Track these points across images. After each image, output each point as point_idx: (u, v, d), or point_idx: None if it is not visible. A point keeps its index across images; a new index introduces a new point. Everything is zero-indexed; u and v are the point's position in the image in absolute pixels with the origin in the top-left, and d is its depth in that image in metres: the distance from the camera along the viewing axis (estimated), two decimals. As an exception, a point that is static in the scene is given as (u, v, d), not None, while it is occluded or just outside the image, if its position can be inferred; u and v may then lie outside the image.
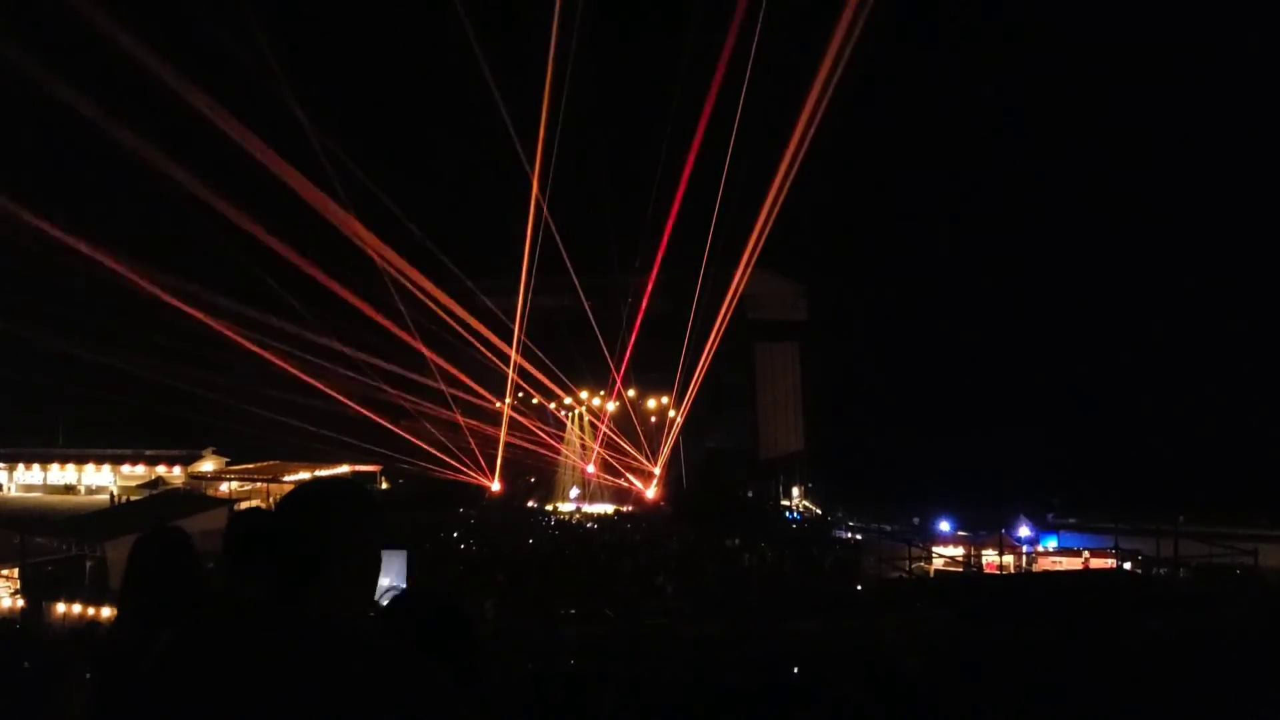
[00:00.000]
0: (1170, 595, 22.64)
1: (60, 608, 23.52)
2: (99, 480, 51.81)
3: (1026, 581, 28.89)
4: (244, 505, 39.85)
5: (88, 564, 28.12)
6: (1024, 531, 34.66)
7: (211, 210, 35.07)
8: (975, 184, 60.80)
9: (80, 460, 52.36)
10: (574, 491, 49.33)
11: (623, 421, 50.10)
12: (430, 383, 44.82)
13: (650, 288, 45.41)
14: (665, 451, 49.16)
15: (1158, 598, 21.36)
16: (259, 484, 47.17)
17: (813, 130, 35.79)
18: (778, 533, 38.74)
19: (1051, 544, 34.49)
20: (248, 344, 38.85)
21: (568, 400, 51.02)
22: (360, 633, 1.96)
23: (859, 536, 38.72)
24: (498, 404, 47.78)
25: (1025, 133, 61.92)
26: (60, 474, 52.69)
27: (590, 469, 49.87)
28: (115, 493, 48.94)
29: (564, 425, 51.33)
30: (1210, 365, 51.02)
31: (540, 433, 49.16)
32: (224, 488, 48.75)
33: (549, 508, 47.27)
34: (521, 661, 12.38)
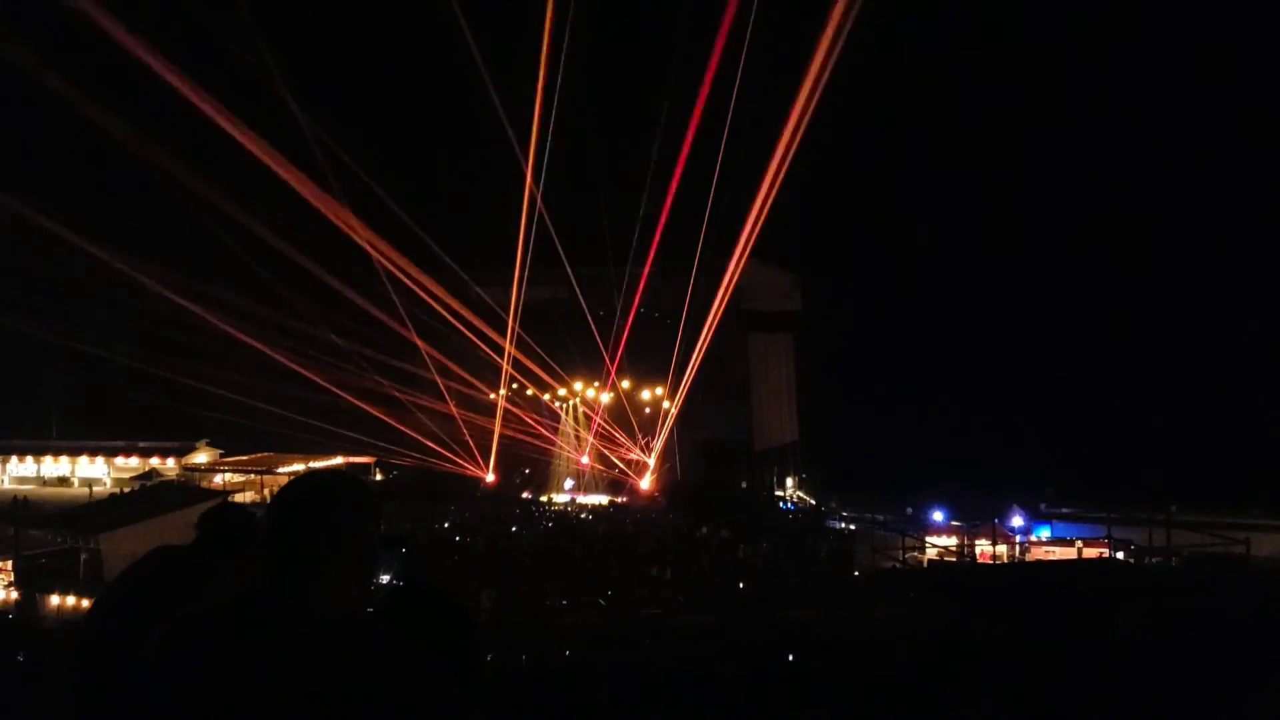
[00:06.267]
0: (1163, 584, 22.73)
1: (54, 600, 23.51)
2: (93, 472, 51.77)
3: (1019, 571, 28.97)
4: (238, 497, 39.91)
5: (82, 556, 28.07)
6: (1017, 521, 34.74)
7: (205, 202, 35.01)
8: (970, 176, 60.85)
9: (74, 452, 52.29)
10: (568, 483, 49.36)
11: (617, 413, 50.11)
12: (425, 374, 44.81)
13: (645, 279, 45.37)
14: (659, 442, 49.20)
15: (1150, 587, 21.45)
16: (253, 476, 47.14)
17: (806, 121, 35.79)
18: (772, 523, 38.79)
19: (1044, 534, 34.59)
20: (242, 335, 38.79)
21: (562, 392, 51.00)
22: (359, 625, 1.97)
23: (853, 527, 38.77)
24: (492, 395, 47.77)
25: (1020, 126, 61.94)
26: (54, 466, 52.60)
27: (585, 460, 49.89)
28: (109, 485, 48.92)
29: (558, 417, 51.33)
30: (1204, 357, 51.18)
31: (535, 424, 49.16)
32: (218, 479, 48.73)
33: (544, 499, 47.28)
34: (517, 652, 12.41)
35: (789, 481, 51.48)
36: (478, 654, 2.35)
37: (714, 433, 50.72)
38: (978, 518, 34.96)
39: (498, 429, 47.46)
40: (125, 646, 2.07)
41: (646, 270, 44.93)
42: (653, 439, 49.46)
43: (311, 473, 2.38)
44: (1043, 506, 37.19)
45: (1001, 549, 32.75)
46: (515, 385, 49.46)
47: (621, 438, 49.60)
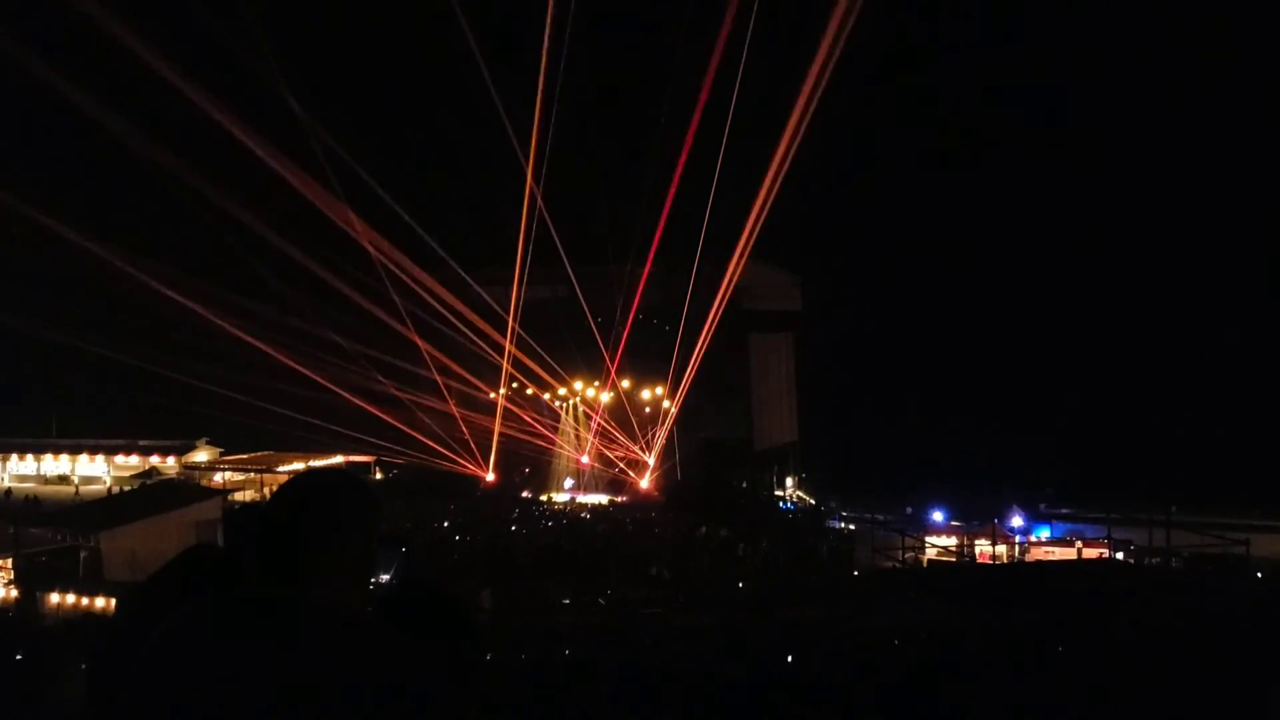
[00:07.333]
0: (1162, 584, 22.74)
1: (54, 598, 23.51)
2: (93, 471, 51.74)
3: (1019, 571, 28.98)
4: (238, 495, 39.89)
5: (81, 555, 28.08)
6: (1017, 521, 34.75)
7: (205, 200, 35.03)
8: (971, 176, 60.85)
9: (74, 451, 52.26)
10: (568, 482, 49.35)
11: (617, 412, 50.11)
12: (425, 373, 44.83)
13: (645, 278, 45.38)
14: (660, 442, 49.19)
15: (1149, 587, 21.44)
16: (253, 474, 47.12)
17: (807, 121, 35.81)
18: (772, 523, 38.80)
19: (1044, 534, 34.60)
20: (242, 334, 38.80)
21: (562, 391, 51.00)
22: (358, 624, 1.96)
23: (853, 527, 38.77)
24: (492, 395, 47.77)
25: (1022, 126, 61.95)
26: (54, 464, 52.59)
27: (585, 459, 49.88)
28: (109, 482, 48.92)
29: (559, 416, 51.32)
30: (1204, 358, 51.18)
31: (535, 423, 49.16)
32: (218, 478, 48.73)
33: (544, 498, 47.28)
34: (516, 651, 12.41)
35: (789, 481, 51.45)
36: (477, 654, 2.34)
37: (714, 433, 50.73)
38: (977, 518, 34.97)
39: (498, 428, 47.49)
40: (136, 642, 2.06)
41: (647, 270, 44.97)
42: (653, 438, 49.45)
43: (311, 471, 2.37)
44: (1043, 507, 37.19)
45: (1001, 549, 32.74)
46: (515, 384, 49.47)
47: (621, 437, 49.60)
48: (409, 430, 44.92)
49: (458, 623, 2.35)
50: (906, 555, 31.01)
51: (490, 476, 48.26)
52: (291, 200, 35.43)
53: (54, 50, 30.10)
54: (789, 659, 11.59)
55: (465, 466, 47.28)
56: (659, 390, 49.95)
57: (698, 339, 44.63)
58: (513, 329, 44.39)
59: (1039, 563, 31.02)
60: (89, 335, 39.19)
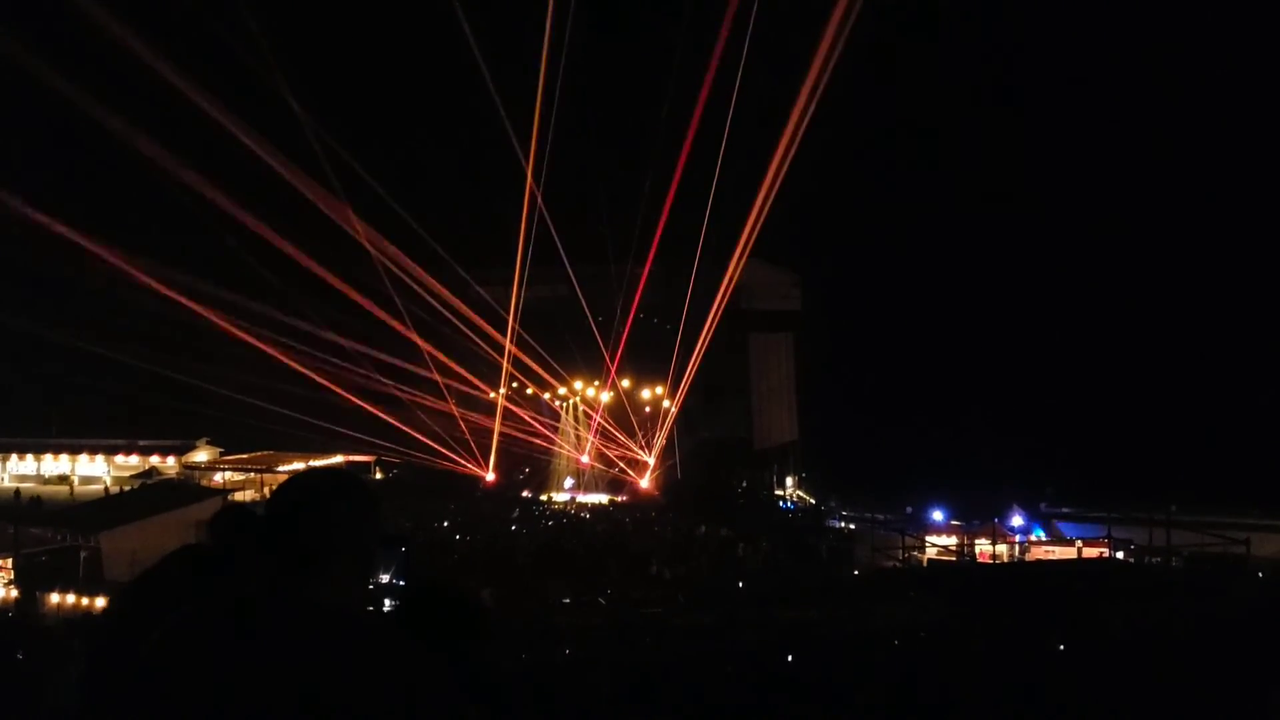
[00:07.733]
0: (1161, 584, 22.75)
1: (54, 598, 23.52)
2: (93, 471, 51.68)
3: (1019, 571, 28.99)
4: (238, 495, 39.89)
5: (82, 555, 28.10)
6: (1017, 521, 34.75)
7: (205, 200, 35.02)
8: (971, 176, 60.85)
9: (74, 451, 52.19)
10: (569, 481, 49.32)
11: (617, 412, 50.10)
12: (425, 373, 44.81)
13: (645, 278, 45.37)
14: (660, 441, 49.18)
15: (1149, 587, 21.45)
16: (253, 474, 47.09)
17: (807, 120, 35.83)
18: (772, 522, 38.79)
19: (1044, 533, 34.60)
20: (242, 334, 38.79)
21: (562, 390, 51.00)
22: (357, 624, 1.96)
23: (853, 526, 38.75)
24: (492, 394, 47.76)
25: (1021, 126, 61.96)
26: (54, 464, 52.54)
27: (585, 459, 49.86)
28: (109, 482, 48.91)
29: (558, 415, 51.30)
30: (1204, 357, 51.17)
31: (535, 423, 49.14)
32: (218, 478, 48.70)
33: (544, 498, 47.26)
34: (517, 651, 12.40)
35: (789, 481, 51.45)
36: (486, 654, 2.35)
37: (714, 432, 50.72)
38: (978, 517, 34.96)
39: (498, 428, 47.47)
40: (140, 645, 2.06)
41: (647, 270, 44.96)
42: (652, 438, 49.45)
43: (310, 471, 2.37)
44: (1043, 506, 37.19)
45: (1001, 549, 32.73)
46: (515, 384, 49.46)
47: (621, 437, 49.60)
48: (409, 430, 44.90)
49: (471, 624, 2.35)
50: (906, 555, 31.00)
51: (490, 476, 48.23)
52: (292, 200, 35.45)
53: (54, 49, 30.11)
54: (789, 659, 11.59)
55: (465, 466, 47.25)
56: (659, 390, 49.93)
57: (698, 339, 44.66)
58: (513, 329, 44.41)
59: (1039, 562, 31.02)
60: (89, 335, 39.16)
